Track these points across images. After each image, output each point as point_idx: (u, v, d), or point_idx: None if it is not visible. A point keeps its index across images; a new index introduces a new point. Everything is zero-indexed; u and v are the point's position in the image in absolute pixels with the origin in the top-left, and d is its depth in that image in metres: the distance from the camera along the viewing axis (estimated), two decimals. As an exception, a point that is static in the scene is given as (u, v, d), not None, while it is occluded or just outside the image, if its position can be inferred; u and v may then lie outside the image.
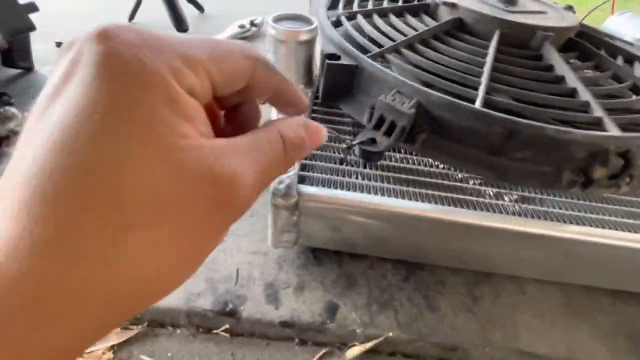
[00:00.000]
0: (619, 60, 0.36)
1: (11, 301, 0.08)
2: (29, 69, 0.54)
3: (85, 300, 0.09)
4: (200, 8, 0.78)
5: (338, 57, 0.31)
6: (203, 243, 0.11)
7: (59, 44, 0.62)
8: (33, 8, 0.48)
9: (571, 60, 0.34)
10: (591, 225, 0.26)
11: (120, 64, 0.10)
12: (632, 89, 0.32)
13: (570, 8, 0.39)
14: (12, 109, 0.41)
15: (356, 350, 0.26)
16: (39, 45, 0.57)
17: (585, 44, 0.34)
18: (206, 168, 0.10)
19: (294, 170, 0.25)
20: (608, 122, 0.26)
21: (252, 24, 0.66)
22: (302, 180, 0.26)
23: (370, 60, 0.29)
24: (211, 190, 0.10)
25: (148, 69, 0.10)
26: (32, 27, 0.48)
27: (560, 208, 0.27)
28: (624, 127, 0.27)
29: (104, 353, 0.25)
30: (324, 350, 0.26)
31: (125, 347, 0.25)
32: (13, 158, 0.10)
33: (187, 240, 0.10)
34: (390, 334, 0.26)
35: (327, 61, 0.30)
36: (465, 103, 0.26)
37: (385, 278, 0.29)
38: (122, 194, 0.09)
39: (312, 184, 0.26)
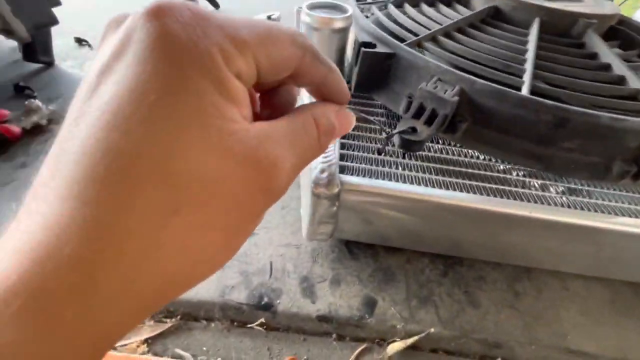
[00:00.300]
0: (661, 49, 0.34)
1: (68, 279, 0.08)
2: (49, 63, 0.54)
3: (135, 282, 0.09)
4: (216, 5, 0.78)
5: (374, 46, 0.30)
6: (245, 226, 0.11)
7: (78, 39, 0.62)
8: (56, 2, 0.48)
9: (614, 49, 0.32)
10: (642, 218, 0.25)
11: (173, 45, 0.09)
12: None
13: (607, -4, 0.37)
14: (37, 102, 0.41)
15: (397, 346, 0.25)
16: (59, 40, 0.57)
17: (628, 32, 0.33)
18: (251, 152, 0.10)
19: (334, 160, 0.25)
20: (663, 110, 0.25)
21: (269, 19, 0.65)
22: (342, 170, 0.25)
23: (408, 48, 0.29)
24: (255, 174, 0.10)
25: (200, 51, 0.10)
26: (55, 21, 0.48)
27: (610, 200, 0.26)
28: (678, 116, 0.25)
29: (138, 346, 0.24)
30: (363, 346, 0.25)
31: (159, 340, 0.25)
32: (60, 136, 0.10)
33: (231, 222, 0.11)
34: (432, 329, 0.25)
35: (363, 49, 0.29)
36: (512, 90, 0.25)
37: (423, 273, 0.28)
38: (173, 177, 0.09)
39: (352, 174, 0.25)
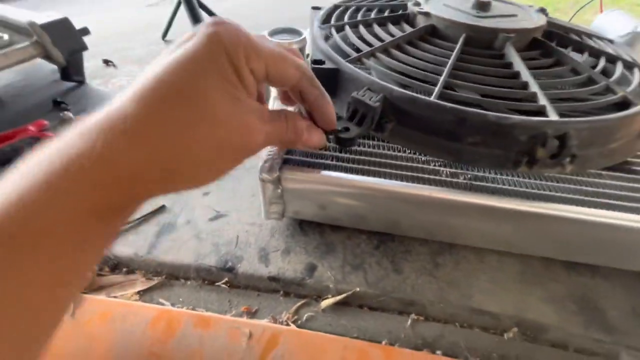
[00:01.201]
0: (585, 56, 0.39)
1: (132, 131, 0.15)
2: (81, 82, 0.65)
3: (160, 153, 0.15)
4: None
5: (323, 62, 0.37)
6: (229, 155, 0.18)
7: (105, 61, 0.73)
8: (86, 32, 0.59)
9: (534, 58, 0.37)
10: (539, 201, 0.30)
11: (217, 42, 0.16)
12: (587, 80, 0.35)
13: (542, 10, 0.42)
14: (69, 114, 0.51)
15: (329, 301, 0.31)
16: (89, 62, 0.68)
17: (547, 43, 0.38)
18: (244, 115, 0.17)
19: (277, 153, 0.31)
20: (550, 109, 0.30)
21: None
22: (285, 161, 0.32)
23: (347, 64, 0.35)
24: (241, 129, 0.17)
25: (231, 49, 0.17)
26: (85, 47, 0.59)
27: (510, 185, 0.31)
28: (566, 114, 0.30)
29: (132, 296, 0.32)
30: (303, 301, 0.31)
31: (148, 292, 0.32)
32: (142, 74, 0.17)
33: (223, 147, 0.17)
34: (358, 289, 0.31)
35: (313, 66, 0.36)
36: (421, 96, 0.31)
37: (359, 246, 0.34)
38: (196, 105, 0.16)
39: (295, 165, 0.32)
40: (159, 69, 0.16)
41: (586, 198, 0.30)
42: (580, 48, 0.40)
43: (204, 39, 0.16)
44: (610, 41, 0.45)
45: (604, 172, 0.33)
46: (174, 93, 0.16)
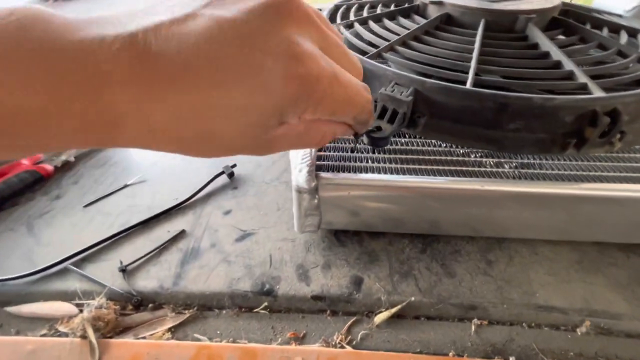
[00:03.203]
0: (605, 32, 0.38)
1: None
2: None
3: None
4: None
5: (340, 61, 0.35)
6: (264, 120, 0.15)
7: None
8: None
9: (557, 37, 0.36)
10: (594, 182, 0.28)
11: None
12: (618, 54, 0.34)
13: (552, -10, 0.41)
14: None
15: (383, 315, 0.28)
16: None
17: (568, 21, 0.37)
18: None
19: (311, 160, 0.29)
20: (592, 86, 0.28)
21: None
22: (319, 168, 0.29)
23: (369, 60, 0.33)
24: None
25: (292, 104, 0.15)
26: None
27: (559, 170, 0.29)
28: (608, 89, 0.29)
29: (163, 334, 0.29)
30: (354, 319, 0.29)
31: (180, 328, 0.29)
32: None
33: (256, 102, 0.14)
34: (413, 298, 0.29)
35: (331, 65, 0.34)
36: (456, 85, 0.29)
37: (403, 252, 0.32)
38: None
39: (327, 170, 0.29)
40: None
41: (638, 175, 0.29)
42: (598, 24, 0.39)
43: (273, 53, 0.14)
44: (620, 16, 0.44)
45: (648, 147, 0.32)
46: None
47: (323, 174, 0.28)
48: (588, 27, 0.38)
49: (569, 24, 0.37)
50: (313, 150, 0.30)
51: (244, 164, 0.44)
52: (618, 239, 0.31)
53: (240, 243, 0.34)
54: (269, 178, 0.42)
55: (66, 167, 0.47)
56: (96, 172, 0.46)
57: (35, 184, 0.44)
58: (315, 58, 0.15)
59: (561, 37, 0.36)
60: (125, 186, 0.43)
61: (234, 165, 0.43)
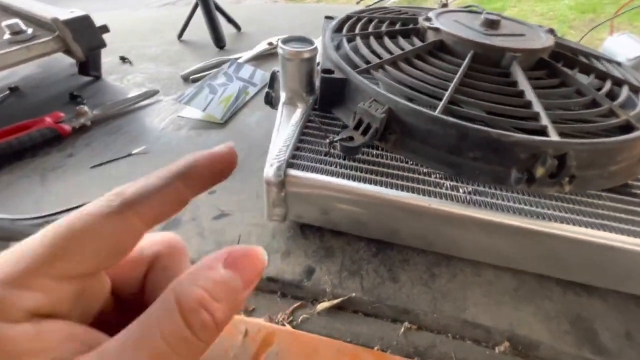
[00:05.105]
0: (591, 78, 0.39)
1: None
2: (98, 77, 0.67)
3: None
4: (238, 27, 0.90)
5: (332, 72, 0.38)
6: None
7: (122, 58, 0.75)
8: (105, 29, 0.60)
9: (539, 78, 0.38)
10: (536, 218, 0.31)
11: None
12: (591, 103, 0.35)
13: (551, 31, 0.43)
14: (85, 107, 0.53)
15: (325, 305, 0.32)
16: (106, 58, 0.70)
17: (553, 64, 0.38)
18: None
19: (283, 157, 0.32)
20: (551, 129, 0.31)
21: (270, 45, 0.76)
22: (290, 165, 0.33)
23: (356, 74, 0.36)
24: None
25: None
26: (104, 44, 0.61)
27: (509, 201, 0.32)
28: (566, 135, 0.31)
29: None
30: (299, 303, 0.32)
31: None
32: None
33: None
34: (354, 294, 0.32)
35: (322, 75, 0.37)
36: (425, 110, 0.32)
37: (357, 253, 0.35)
38: None
39: (299, 169, 0.33)
40: None
41: (584, 218, 0.31)
42: (587, 70, 0.41)
43: None
44: (619, 64, 0.45)
45: (603, 194, 0.33)
46: None
47: (291, 171, 0.32)
48: (576, 71, 0.40)
49: (553, 67, 0.38)
50: (289, 148, 0.34)
51: (237, 150, 0.48)
52: (558, 274, 0.33)
53: (216, 221, 0.38)
54: (257, 167, 0.45)
55: (83, 129, 0.52)
56: (108, 138, 0.51)
57: (54, 140, 0.50)
58: None
59: (543, 78, 0.38)
60: (130, 155, 0.47)
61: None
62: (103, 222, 0.11)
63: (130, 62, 0.74)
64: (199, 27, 0.81)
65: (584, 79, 0.39)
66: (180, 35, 0.85)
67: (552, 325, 0.31)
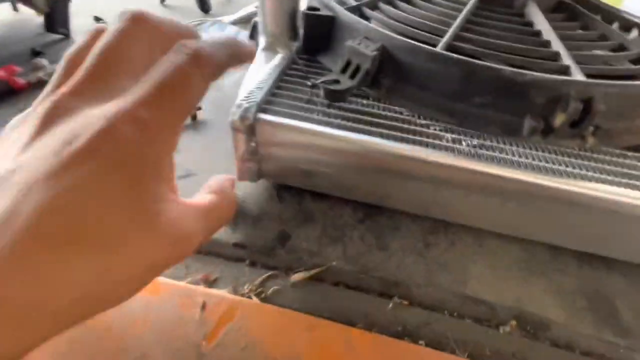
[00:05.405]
0: (615, 26, 0.34)
1: None
2: (66, 35, 0.61)
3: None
4: (206, 9, 0.83)
5: (317, 10, 0.33)
6: (145, 278, 0.14)
7: (97, 18, 0.68)
8: (73, -22, 0.54)
9: (559, 20, 0.33)
10: (552, 174, 0.26)
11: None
12: (618, 48, 0.30)
13: (569, -25, 0.38)
14: (43, 60, 0.47)
15: (300, 275, 0.27)
16: (79, 19, 0.64)
17: (574, 6, 0.33)
18: (172, 229, 0.14)
19: (255, 99, 0.27)
20: (575, 69, 0.26)
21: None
22: (263, 110, 0.27)
23: (345, 11, 0.31)
24: (171, 247, 0.14)
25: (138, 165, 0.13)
26: (70, -5, 0.55)
27: (520, 157, 0.27)
28: (592, 77, 0.26)
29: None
30: (270, 273, 0.27)
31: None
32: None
33: (135, 273, 0.13)
34: (334, 263, 0.27)
35: (306, 12, 0.32)
36: (425, 46, 0.26)
37: (341, 218, 0.30)
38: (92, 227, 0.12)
39: (272, 114, 0.27)
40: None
41: (608, 177, 0.26)
42: (609, 18, 0.36)
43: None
44: (642, 18, 0.40)
45: (630, 153, 0.28)
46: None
47: (263, 115, 0.27)
48: (598, 17, 0.35)
49: (575, 10, 0.33)
50: (264, 91, 0.28)
51: (210, 110, 0.42)
52: (574, 245, 0.29)
53: (181, 180, 0.33)
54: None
55: (41, 84, 0.46)
56: (67, 94, 0.45)
57: (6, 94, 0.44)
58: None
59: (563, 21, 0.33)
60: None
61: (199, 108, 0.41)
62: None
63: (105, 23, 0.67)
64: (183, -11, 0.75)
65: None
66: (162, -2, 0.79)
67: (567, 302, 0.26)
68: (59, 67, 0.16)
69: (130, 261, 0.13)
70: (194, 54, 0.15)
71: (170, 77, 0.14)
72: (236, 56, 0.18)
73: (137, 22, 0.15)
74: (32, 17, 0.62)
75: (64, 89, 0.14)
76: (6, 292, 0.10)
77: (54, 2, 0.54)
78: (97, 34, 0.16)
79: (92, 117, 0.13)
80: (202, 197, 0.19)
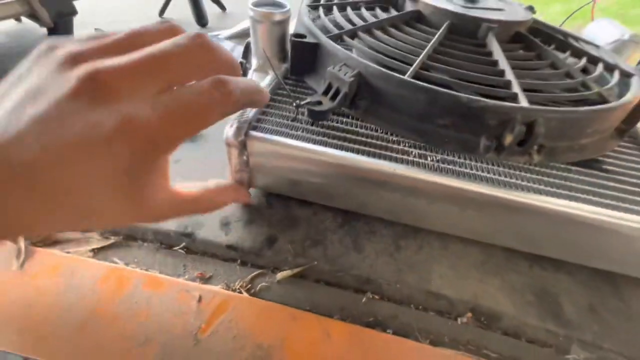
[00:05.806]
0: (567, 54, 0.39)
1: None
2: (70, 47, 0.64)
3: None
4: (222, 7, 0.87)
5: (304, 37, 0.37)
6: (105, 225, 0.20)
7: (97, 30, 0.72)
8: (77, -4, 0.58)
9: (514, 51, 0.37)
10: (505, 187, 0.30)
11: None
12: (564, 76, 0.35)
13: (530, 8, 0.42)
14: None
15: (286, 273, 0.30)
16: (82, 30, 0.67)
17: (530, 38, 0.38)
18: (148, 210, 0.20)
19: (246, 119, 0.31)
20: (521, 97, 0.30)
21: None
22: (253, 128, 0.31)
23: (328, 39, 0.35)
24: (136, 220, 0.20)
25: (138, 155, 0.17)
26: (75, 12, 0.58)
27: (478, 170, 0.31)
28: (538, 103, 0.30)
29: (85, 252, 0.31)
30: (259, 271, 0.31)
31: (102, 251, 0.32)
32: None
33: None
34: (316, 262, 0.30)
35: (293, 38, 0.36)
36: (395, 74, 0.30)
37: (323, 223, 0.34)
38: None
39: (263, 132, 0.31)
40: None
41: (552, 189, 0.30)
42: (563, 47, 0.40)
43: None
44: (597, 47, 0.45)
45: (573, 167, 0.33)
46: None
47: (254, 132, 0.30)
48: (552, 47, 0.39)
49: (529, 41, 0.38)
50: (253, 111, 0.32)
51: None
52: (526, 248, 0.33)
53: (179, 189, 0.37)
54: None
55: None
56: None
57: None
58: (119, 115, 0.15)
59: (518, 51, 0.37)
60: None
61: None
62: None
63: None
64: (182, 5, 0.78)
65: (560, 56, 0.38)
66: (161, 12, 0.83)
67: (517, 297, 0.30)
68: (120, 33, 0.18)
69: (99, 220, 0.17)
70: (225, 95, 0.18)
71: (196, 105, 0.17)
72: (255, 103, 0.21)
73: (199, 45, 0.17)
74: (36, 28, 0.65)
75: (109, 66, 0.15)
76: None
77: (59, 17, 0.57)
78: (170, 30, 0.18)
79: (117, 111, 0.15)
80: (192, 186, 0.24)
